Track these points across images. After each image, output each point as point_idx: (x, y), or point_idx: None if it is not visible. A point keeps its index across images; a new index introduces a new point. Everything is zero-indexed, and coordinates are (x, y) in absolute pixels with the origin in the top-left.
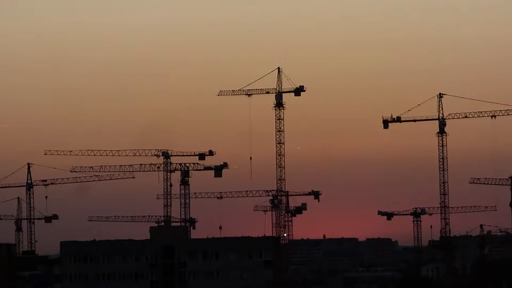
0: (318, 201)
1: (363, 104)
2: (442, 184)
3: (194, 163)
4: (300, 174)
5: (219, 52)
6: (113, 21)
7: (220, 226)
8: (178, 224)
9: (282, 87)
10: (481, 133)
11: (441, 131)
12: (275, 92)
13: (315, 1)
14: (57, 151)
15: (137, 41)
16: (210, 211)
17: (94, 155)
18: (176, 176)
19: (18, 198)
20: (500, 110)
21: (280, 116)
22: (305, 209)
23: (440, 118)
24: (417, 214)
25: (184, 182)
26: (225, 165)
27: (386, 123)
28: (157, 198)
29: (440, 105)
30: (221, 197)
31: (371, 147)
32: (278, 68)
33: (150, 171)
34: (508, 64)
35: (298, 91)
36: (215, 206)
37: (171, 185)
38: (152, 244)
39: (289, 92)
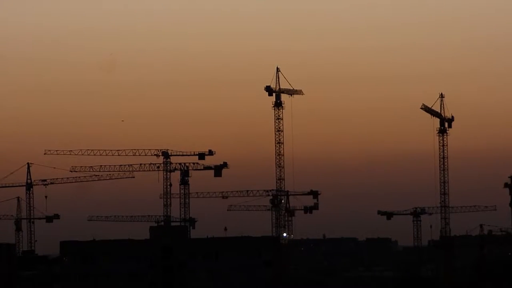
0: (317, 201)
1: (363, 103)
2: (443, 184)
3: (194, 163)
4: (299, 174)
5: (221, 49)
6: (110, 17)
7: (225, 227)
8: (178, 224)
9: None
10: (482, 133)
11: (442, 131)
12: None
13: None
14: (57, 150)
15: (136, 40)
16: (210, 210)
17: (94, 154)
18: (176, 176)
19: (18, 198)
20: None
21: (279, 116)
22: (317, 208)
23: (441, 117)
24: (417, 214)
25: (184, 182)
26: (225, 164)
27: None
28: (160, 198)
29: (442, 105)
30: (227, 197)
31: (371, 147)
32: (277, 67)
33: (150, 171)
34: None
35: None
36: (215, 206)
37: (170, 185)
38: (152, 244)
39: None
